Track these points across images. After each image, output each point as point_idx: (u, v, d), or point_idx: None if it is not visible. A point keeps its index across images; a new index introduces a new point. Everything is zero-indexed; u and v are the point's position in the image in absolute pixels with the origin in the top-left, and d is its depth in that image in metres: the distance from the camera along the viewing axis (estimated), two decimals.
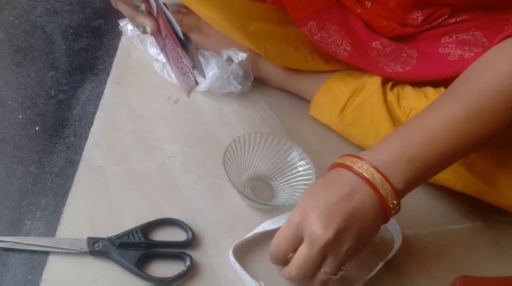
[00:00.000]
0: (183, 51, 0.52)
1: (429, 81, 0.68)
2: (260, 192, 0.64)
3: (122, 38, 0.81)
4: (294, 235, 0.47)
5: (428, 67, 0.68)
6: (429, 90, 0.67)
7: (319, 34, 0.68)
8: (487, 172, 0.60)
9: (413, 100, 0.66)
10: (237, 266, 0.54)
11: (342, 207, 0.46)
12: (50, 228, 0.55)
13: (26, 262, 0.51)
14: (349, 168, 0.48)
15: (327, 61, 0.73)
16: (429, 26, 0.71)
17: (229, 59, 0.73)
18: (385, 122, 0.65)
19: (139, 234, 0.54)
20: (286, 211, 0.60)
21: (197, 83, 0.54)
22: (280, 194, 0.63)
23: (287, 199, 0.60)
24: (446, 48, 0.68)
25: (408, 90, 0.67)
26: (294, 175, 0.63)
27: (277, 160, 0.64)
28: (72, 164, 0.62)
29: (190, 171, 0.64)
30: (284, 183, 0.64)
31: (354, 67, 0.71)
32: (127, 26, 0.79)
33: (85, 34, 0.82)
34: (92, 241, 0.53)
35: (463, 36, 0.69)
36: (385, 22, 0.72)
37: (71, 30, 0.82)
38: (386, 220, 0.49)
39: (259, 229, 0.57)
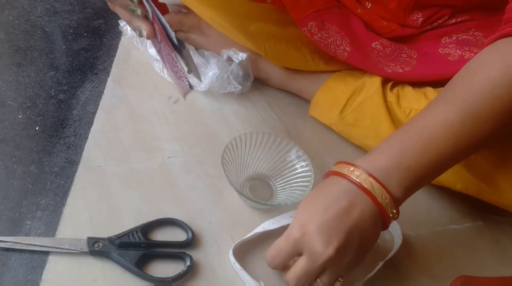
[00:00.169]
0: (177, 56, 0.53)
1: (429, 81, 0.68)
2: (259, 192, 0.64)
3: (122, 38, 0.82)
4: (292, 251, 0.47)
5: (428, 68, 0.68)
6: (429, 90, 0.67)
7: (319, 35, 0.68)
8: (487, 172, 0.60)
9: (413, 100, 0.66)
10: (237, 266, 0.54)
11: (342, 222, 0.45)
12: (50, 228, 0.55)
13: (26, 262, 0.51)
14: (346, 177, 0.47)
15: (327, 61, 0.73)
16: (429, 27, 0.71)
17: (229, 59, 0.73)
18: (385, 122, 0.65)
19: (139, 234, 0.54)
20: (285, 211, 0.60)
21: (191, 87, 0.54)
22: (279, 194, 0.63)
23: (286, 199, 0.60)
24: (446, 49, 0.68)
25: (408, 91, 0.67)
26: (293, 175, 0.63)
27: (276, 160, 0.64)
28: (72, 164, 0.62)
29: (190, 171, 0.64)
30: (283, 183, 0.64)
31: (354, 67, 0.71)
32: (127, 26, 0.79)
33: (85, 34, 0.82)
34: (92, 241, 0.53)
35: (463, 37, 0.69)
36: (385, 23, 0.72)
37: (71, 30, 0.82)
38: (385, 227, 0.49)
39: (259, 229, 0.57)
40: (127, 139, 0.66)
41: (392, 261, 0.58)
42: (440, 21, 0.70)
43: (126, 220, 0.57)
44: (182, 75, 0.54)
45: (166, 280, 0.52)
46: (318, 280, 0.47)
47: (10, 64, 0.74)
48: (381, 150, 0.49)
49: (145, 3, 0.49)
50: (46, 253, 0.52)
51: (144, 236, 0.54)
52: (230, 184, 0.57)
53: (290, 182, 0.63)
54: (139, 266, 0.52)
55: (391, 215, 0.47)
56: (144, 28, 0.51)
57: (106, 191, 0.59)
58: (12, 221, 0.55)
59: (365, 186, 0.46)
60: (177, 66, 0.54)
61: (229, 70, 0.72)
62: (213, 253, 0.56)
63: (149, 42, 0.76)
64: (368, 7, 0.71)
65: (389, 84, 0.68)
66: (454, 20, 0.70)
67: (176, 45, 0.51)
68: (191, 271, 0.53)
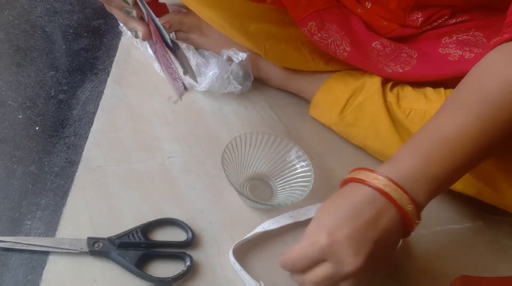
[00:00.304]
0: (172, 57, 0.53)
1: (429, 81, 0.68)
2: (259, 192, 0.64)
3: (122, 38, 0.82)
4: (318, 257, 0.45)
5: (428, 67, 0.68)
6: (429, 90, 0.67)
7: (319, 34, 0.68)
8: (487, 173, 0.60)
9: (412, 100, 0.66)
10: (237, 266, 0.54)
11: (370, 232, 0.44)
12: (50, 228, 0.55)
13: (26, 262, 0.51)
14: (371, 185, 0.46)
15: (327, 61, 0.73)
16: (429, 27, 0.71)
17: (229, 59, 0.73)
18: (385, 122, 0.65)
19: (139, 234, 0.54)
20: (285, 211, 0.60)
21: (186, 88, 0.54)
22: (279, 194, 0.63)
23: (286, 199, 0.60)
24: (446, 49, 0.68)
25: (408, 91, 0.67)
26: (293, 175, 0.63)
27: (276, 160, 0.64)
28: (72, 164, 0.62)
29: (190, 171, 0.64)
30: (283, 183, 0.64)
31: (354, 67, 0.71)
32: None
33: (85, 34, 0.82)
34: (92, 241, 0.53)
35: (463, 37, 0.69)
36: (385, 23, 0.72)
37: (71, 30, 0.82)
38: (406, 236, 0.48)
39: (259, 229, 0.57)
40: (127, 139, 0.66)
41: (392, 261, 0.58)
42: (440, 21, 0.70)
43: (126, 220, 0.57)
44: (177, 76, 0.55)
45: (166, 280, 0.52)
46: None
47: (10, 64, 0.74)
48: (403, 158, 0.48)
49: (140, 5, 0.49)
50: (46, 253, 0.52)
51: (144, 236, 0.54)
52: (230, 184, 0.57)
53: (290, 182, 0.63)
54: (139, 266, 0.52)
55: (414, 225, 0.47)
56: (140, 29, 0.51)
57: (106, 191, 0.59)
58: (12, 221, 0.55)
59: (393, 196, 0.45)
60: (172, 68, 0.54)
61: (229, 70, 0.72)
62: (213, 253, 0.56)
63: (147, 42, 0.76)
64: (368, 7, 0.71)
65: (389, 84, 0.68)
66: (454, 20, 0.70)
67: (171, 46, 0.51)
68: (191, 271, 0.53)
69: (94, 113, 0.69)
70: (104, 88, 0.73)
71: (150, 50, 0.75)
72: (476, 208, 0.66)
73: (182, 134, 0.69)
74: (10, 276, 0.50)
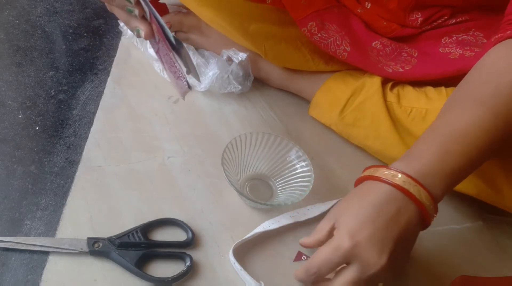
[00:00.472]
0: (175, 56, 0.53)
1: (430, 80, 0.68)
2: (259, 192, 0.64)
3: (122, 38, 0.82)
4: (342, 261, 0.45)
5: (429, 66, 0.68)
6: (430, 89, 0.67)
7: (319, 34, 0.68)
8: (487, 173, 0.60)
9: (413, 99, 0.66)
10: (237, 266, 0.54)
11: (392, 230, 0.44)
12: (50, 228, 0.55)
13: (26, 262, 0.51)
14: (390, 183, 0.45)
15: (327, 61, 0.73)
16: (429, 27, 0.71)
17: (229, 59, 0.73)
18: (385, 122, 0.65)
19: (139, 234, 0.54)
20: (285, 211, 0.60)
21: (189, 87, 0.54)
22: (279, 194, 0.63)
23: (286, 199, 0.60)
24: (446, 48, 0.69)
25: (409, 90, 0.67)
26: (293, 175, 0.63)
27: (276, 160, 0.64)
28: (72, 164, 0.62)
29: (190, 171, 0.64)
30: (283, 183, 0.63)
31: (354, 67, 0.71)
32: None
33: (85, 34, 0.82)
34: (92, 241, 0.53)
35: (463, 36, 0.69)
36: (385, 23, 0.72)
37: (71, 30, 0.82)
38: (424, 229, 0.48)
39: (259, 229, 0.57)
40: (127, 139, 0.66)
41: None
42: (440, 21, 0.70)
43: (126, 220, 0.57)
44: (181, 75, 0.54)
45: (166, 280, 0.52)
46: None
47: (10, 64, 0.74)
48: (419, 154, 0.48)
49: (143, 4, 0.49)
50: (46, 253, 0.52)
51: (144, 236, 0.54)
52: (230, 184, 0.57)
53: (290, 182, 0.63)
54: (139, 266, 0.52)
55: (432, 219, 0.47)
56: (142, 28, 0.51)
57: (106, 191, 0.59)
58: (12, 221, 0.55)
59: (413, 193, 0.45)
60: (176, 66, 0.54)
61: (229, 70, 0.72)
62: (213, 253, 0.56)
63: (149, 42, 0.76)
64: (368, 7, 0.71)
65: (389, 84, 0.68)
66: (454, 20, 0.70)
67: (174, 45, 0.51)
68: (191, 271, 0.53)
69: (94, 113, 0.69)
70: (104, 88, 0.73)
71: (150, 51, 0.75)
72: (476, 208, 0.66)
73: (182, 134, 0.69)
74: (10, 276, 0.50)
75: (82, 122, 0.67)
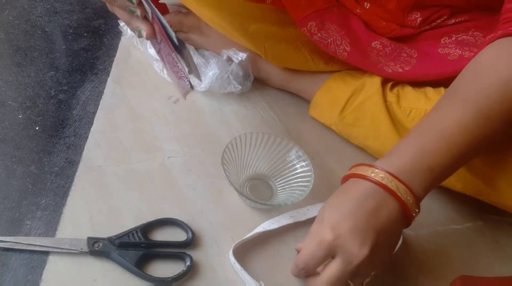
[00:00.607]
0: (178, 56, 0.53)
1: (429, 81, 0.68)
2: (259, 192, 0.64)
3: (122, 38, 0.82)
4: (327, 254, 0.46)
5: (428, 67, 0.68)
6: (429, 90, 0.67)
7: (319, 34, 0.68)
8: (487, 172, 0.60)
9: (413, 100, 0.66)
10: (237, 266, 0.54)
11: (372, 223, 0.46)
12: (50, 228, 0.55)
13: (26, 262, 0.51)
14: (371, 179, 0.47)
15: (327, 61, 0.73)
16: (428, 27, 0.71)
17: (229, 59, 0.73)
18: (385, 122, 0.65)
19: (139, 234, 0.54)
20: (285, 211, 0.60)
21: (192, 87, 0.54)
22: (279, 194, 0.63)
23: (286, 199, 0.60)
24: (445, 48, 0.69)
25: (408, 91, 0.67)
26: (293, 175, 0.63)
27: (276, 160, 0.64)
28: (72, 164, 0.62)
29: (190, 171, 0.64)
30: (283, 183, 0.64)
31: (354, 67, 0.71)
32: (127, 26, 0.78)
33: (85, 34, 0.82)
34: (92, 241, 0.53)
35: (463, 37, 0.69)
36: (384, 23, 0.72)
37: (71, 30, 0.82)
38: (408, 225, 0.50)
39: (259, 229, 0.57)
40: (127, 139, 0.66)
41: (392, 261, 0.58)
42: (439, 21, 0.70)
43: (126, 220, 0.57)
44: (183, 75, 0.54)
45: (166, 280, 0.52)
46: (349, 282, 0.47)
47: (10, 64, 0.74)
48: (400, 152, 0.49)
49: (145, 4, 0.49)
50: (46, 253, 0.52)
51: (144, 236, 0.54)
52: (230, 184, 0.57)
53: (290, 182, 0.63)
54: (139, 266, 0.52)
55: (414, 214, 0.48)
56: (144, 28, 0.52)
57: (106, 191, 0.59)
58: (12, 221, 0.55)
59: (391, 187, 0.46)
60: (178, 66, 0.54)
61: (229, 70, 0.72)
62: (213, 253, 0.56)
63: (149, 42, 0.76)
64: (367, 7, 0.71)
65: (389, 84, 0.68)
66: (453, 20, 0.70)
67: (177, 45, 0.51)
68: (191, 271, 0.53)
69: (94, 113, 0.69)
70: (104, 88, 0.73)
71: (150, 51, 0.75)
72: (476, 208, 0.66)
73: (182, 134, 0.69)
74: (10, 276, 0.50)
75: (82, 122, 0.67)
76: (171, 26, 0.76)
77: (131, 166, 0.63)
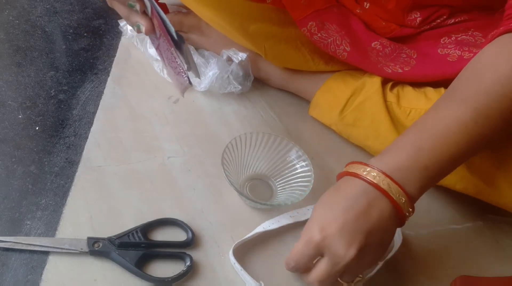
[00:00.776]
0: (177, 51, 0.52)
1: (428, 81, 0.68)
2: (259, 192, 0.64)
3: (122, 38, 0.82)
4: (314, 253, 0.47)
5: (428, 68, 0.68)
6: (429, 90, 0.67)
7: (319, 34, 0.68)
8: (487, 172, 0.60)
9: (413, 100, 0.66)
10: (237, 266, 0.54)
11: (362, 223, 0.46)
12: (50, 228, 0.55)
13: (26, 262, 0.51)
14: (363, 178, 0.47)
15: (327, 61, 0.73)
16: (428, 27, 0.71)
17: (229, 59, 0.73)
18: (385, 122, 0.65)
19: (139, 234, 0.54)
20: (285, 211, 0.60)
21: (190, 83, 0.54)
22: (279, 194, 0.63)
23: (286, 199, 0.60)
24: (445, 49, 0.68)
25: (408, 91, 0.67)
26: (293, 175, 0.63)
27: (276, 160, 0.64)
28: (72, 164, 0.62)
29: (190, 171, 0.64)
30: (283, 183, 0.64)
31: (354, 67, 0.71)
32: (127, 26, 0.79)
33: (85, 34, 0.82)
34: (92, 241, 0.53)
35: (462, 37, 0.69)
36: (384, 23, 0.72)
37: (71, 30, 0.82)
38: (401, 225, 0.49)
39: (259, 229, 0.57)
40: (127, 139, 0.66)
41: (392, 261, 0.58)
42: (439, 20, 0.70)
43: (126, 220, 0.57)
44: (181, 70, 0.54)
45: (166, 280, 0.52)
46: (339, 279, 0.48)
47: (10, 64, 0.74)
48: (395, 150, 0.49)
49: None
50: (46, 253, 0.52)
51: (144, 236, 0.54)
52: (230, 184, 0.57)
53: (290, 182, 0.63)
54: (139, 266, 0.52)
55: (407, 214, 0.48)
56: (143, 23, 0.51)
57: (106, 191, 0.59)
58: (12, 221, 0.55)
59: (383, 187, 0.46)
60: (176, 62, 0.54)
61: (229, 70, 0.72)
62: (213, 253, 0.56)
63: (149, 42, 0.76)
64: (367, 7, 0.71)
65: (389, 84, 0.68)
66: (453, 20, 0.70)
67: (176, 40, 0.51)
68: (191, 271, 0.53)
69: (94, 113, 0.69)
70: (104, 88, 0.73)
71: (150, 51, 0.75)
72: (476, 208, 0.66)
73: (182, 134, 0.69)
74: (10, 276, 0.50)
75: (82, 122, 0.67)
76: None
77: (131, 166, 0.63)
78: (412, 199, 0.47)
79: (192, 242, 0.56)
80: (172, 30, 0.50)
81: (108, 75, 0.75)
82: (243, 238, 0.56)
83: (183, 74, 0.54)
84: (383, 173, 0.46)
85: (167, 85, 0.74)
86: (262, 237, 0.58)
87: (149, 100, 0.72)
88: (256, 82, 0.77)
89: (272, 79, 0.77)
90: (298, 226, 0.60)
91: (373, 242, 0.46)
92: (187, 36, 0.78)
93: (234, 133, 0.68)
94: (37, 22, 0.82)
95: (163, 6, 0.79)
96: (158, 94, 0.73)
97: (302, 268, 0.49)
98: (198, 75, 0.58)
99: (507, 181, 0.59)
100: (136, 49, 0.79)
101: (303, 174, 0.62)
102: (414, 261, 0.60)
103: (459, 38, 0.69)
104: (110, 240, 0.53)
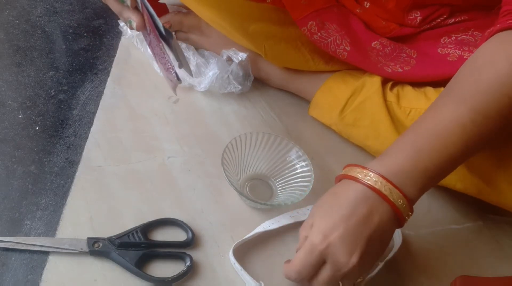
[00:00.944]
0: (166, 47, 0.52)
1: (428, 81, 0.67)
2: (259, 192, 0.64)
3: (122, 38, 0.82)
4: (318, 262, 0.47)
5: (428, 68, 0.68)
6: (429, 90, 0.67)
7: (319, 34, 0.68)
8: (487, 172, 0.60)
9: (413, 100, 0.66)
10: (237, 266, 0.54)
11: (363, 229, 0.46)
12: (50, 228, 0.55)
13: (26, 262, 0.51)
14: (363, 182, 0.47)
15: (327, 61, 0.73)
16: (428, 26, 0.71)
17: (229, 59, 0.73)
18: (385, 122, 0.65)
19: (139, 234, 0.54)
20: (285, 211, 0.60)
21: (179, 79, 0.53)
22: (279, 194, 0.63)
23: (286, 199, 0.60)
24: (445, 49, 0.68)
25: (408, 90, 0.67)
26: (293, 175, 0.63)
27: (276, 160, 0.64)
28: (72, 164, 0.62)
29: (190, 171, 0.64)
30: (283, 183, 0.64)
31: (354, 67, 0.71)
32: (127, 26, 0.79)
33: (85, 34, 0.82)
34: (92, 241, 0.53)
35: (462, 36, 0.69)
36: (384, 23, 0.72)
37: (71, 30, 0.82)
38: (400, 227, 0.49)
39: (259, 229, 0.57)
40: (127, 139, 0.66)
41: (392, 261, 0.58)
42: (439, 20, 0.70)
43: (126, 220, 0.57)
44: (170, 66, 0.53)
45: (166, 280, 0.52)
46: (340, 283, 0.48)
47: (10, 64, 0.74)
48: (394, 153, 0.49)
49: None
50: (46, 253, 0.52)
51: (144, 236, 0.54)
52: (230, 184, 0.57)
53: (290, 182, 0.63)
54: (139, 266, 0.52)
55: (407, 217, 0.48)
56: (134, 19, 0.51)
57: (106, 191, 0.59)
58: (12, 221, 0.55)
59: (384, 192, 0.46)
60: (165, 57, 0.53)
61: (229, 70, 0.72)
62: (213, 253, 0.56)
63: (143, 35, 0.75)
64: (367, 6, 0.71)
65: (389, 84, 0.68)
66: (453, 20, 0.70)
67: (164, 35, 0.50)
68: (191, 271, 0.53)
69: (94, 113, 0.69)
70: (104, 88, 0.73)
71: (150, 50, 0.75)
72: (476, 208, 0.66)
73: (182, 134, 0.69)
74: (10, 276, 0.50)
75: (82, 122, 0.67)
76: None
77: (131, 166, 0.63)
78: (411, 202, 0.47)
79: (192, 242, 0.56)
80: (160, 25, 0.49)
81: (108, 75, 0.75)
82: (243, 238, 0.56)
83: (171, 70, 0.53)
84: (384, 177, 0.46)
85: (167, 85, 0.74)
86: (262, 237, 0.58)
87: (149, 100, 0.72)
88: (256, 82, 0.77)
89: (272, 79, 0.77)
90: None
91: (374, 247, 0.47)
92: (187, 36, 0.78)
93: (234, 133, 0.68)
94: (37, 22, 0.82)
95: (163, 7, 0.79)
96: (158, 94, 0.73)
97: (306, 279, 0.48)
98: (190, 72, 0.57)
99: (507, 181, 0.59)
100: (136, 49, 0.79)
101: (303, 174, 0.62)
102: (414, 261, 0.60)
103: (459, 38, 0.69)
104: (110, 240, 0.53)
